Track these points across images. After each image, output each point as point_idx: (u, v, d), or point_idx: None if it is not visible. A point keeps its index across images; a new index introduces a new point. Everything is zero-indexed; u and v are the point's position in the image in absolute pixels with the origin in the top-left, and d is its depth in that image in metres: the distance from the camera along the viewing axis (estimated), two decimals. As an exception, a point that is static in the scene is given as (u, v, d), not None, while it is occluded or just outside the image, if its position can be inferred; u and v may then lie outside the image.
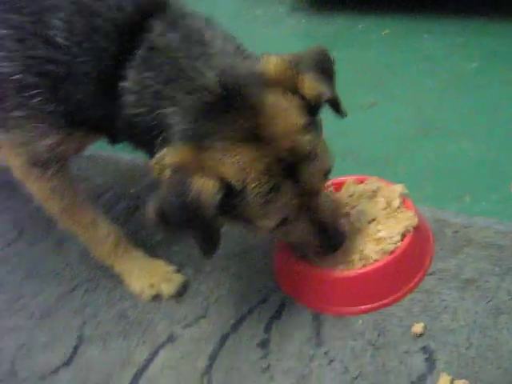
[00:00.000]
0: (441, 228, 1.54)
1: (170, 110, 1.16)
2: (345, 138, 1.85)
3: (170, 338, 1.48)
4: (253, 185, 1.14)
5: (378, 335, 1.35)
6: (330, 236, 1.32)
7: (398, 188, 1.49)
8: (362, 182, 1.55)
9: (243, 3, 3.03)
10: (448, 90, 2.08)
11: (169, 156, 1.14)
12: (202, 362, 1.41)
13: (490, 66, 2.15)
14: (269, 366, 1.36)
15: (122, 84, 1.21)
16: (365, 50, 2.43)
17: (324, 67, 1.25)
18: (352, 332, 1.37)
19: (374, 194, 1.50)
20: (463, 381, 1.23)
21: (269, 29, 2.76)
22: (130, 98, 1.21)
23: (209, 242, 1.20)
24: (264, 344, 1.40)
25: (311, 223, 1.29)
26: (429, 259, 1.46)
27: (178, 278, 1.58)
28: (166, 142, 1.17)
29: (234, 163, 1.12)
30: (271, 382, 1.33)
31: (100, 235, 1.57)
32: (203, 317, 1.50)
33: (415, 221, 1.42)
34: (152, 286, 1.57)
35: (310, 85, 1.19)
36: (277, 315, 1.45)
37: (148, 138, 1.21)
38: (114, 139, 1.41)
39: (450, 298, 1.38)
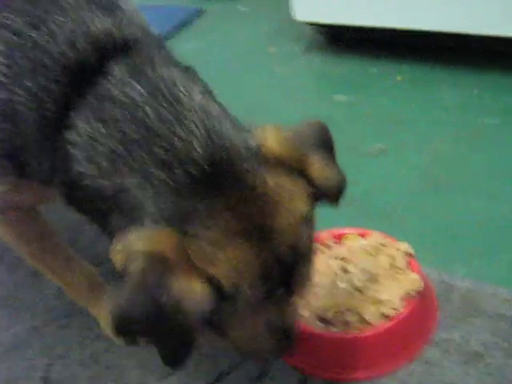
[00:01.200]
0: (446, 293, 1.42)
1: (134, 180, 0.93)
2: (350, 185, 1.74)
3: (141, 389, 1.36)
4: (247, 291, 0.89)
5: None
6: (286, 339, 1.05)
7: (403, 247, 1.38)
8: (363, 236, 1.44)
9: (257, 41, 2.96)
10: (462, 144, 1.97)
11: (140, 241, 0.87)
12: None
13: (508, 122, 2.05)
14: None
15: (67, 135, 0.99)
16: (378, 95, 2.34)
17: (326, 147, 1.02)
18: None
19: (376, 251, 1.38)
20: None
21: (281, 67, 2.67)
22: (76, 153, 0.98)
23: (180, 353, 0.93)
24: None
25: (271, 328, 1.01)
26: (432, 327, 1.34)
27: None
28: (130, 222, 0.92)
29: (228, 260, 0.88)
30: None
31: (73, 279, 1.43)
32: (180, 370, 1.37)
33: (420, 285, 1.30)
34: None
35: (320, 167, 0.97)
36: (261, 376, 1.33)
37: (98, 209, 0.99)
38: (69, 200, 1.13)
39: (451, 373, 1.26)
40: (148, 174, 0.91)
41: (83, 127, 0.97)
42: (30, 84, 1.01)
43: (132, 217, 0.93)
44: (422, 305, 1.31)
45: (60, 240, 1.44)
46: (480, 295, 1.41)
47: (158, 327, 0.87)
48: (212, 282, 0.87)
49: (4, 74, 1.03)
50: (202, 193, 0.89)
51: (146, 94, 0.96)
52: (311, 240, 0.97)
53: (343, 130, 2.08)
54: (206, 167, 0.89)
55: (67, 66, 1.00)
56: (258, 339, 1.00)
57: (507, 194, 1.73)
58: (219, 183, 0.90)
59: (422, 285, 1.30)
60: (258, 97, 2.44)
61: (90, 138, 0.97)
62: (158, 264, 0.85)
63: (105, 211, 0.97)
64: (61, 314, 1.60)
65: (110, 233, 0.97)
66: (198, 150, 0.90)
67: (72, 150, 0.99)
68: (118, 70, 0.99)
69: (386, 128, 2.13)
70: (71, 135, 0.98)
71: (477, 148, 1.95)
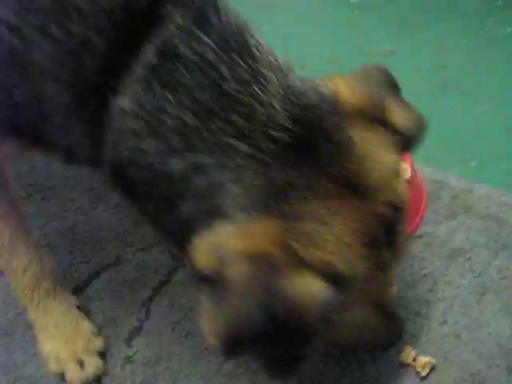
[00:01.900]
0: (438, 190, 1.37)
1: (212, 157, 0.76)
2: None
3: (117, 261, 1.33)
4: (362, 267, 0.77)
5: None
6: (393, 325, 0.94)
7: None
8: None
9: None
10: (477, 51, 1.89)
11: (236, 239, 0.72)
12: (144, 292, 1.25)
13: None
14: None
15: (118, 102, 0.80)
16: (396, -1, 2.23)
17: (395, 90, 0.91)
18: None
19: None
20: (428, 358, 1.07)
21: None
22: (134, 126, 0.79)
23: (292, 362, 0.84)
24: (215, 283, 1.24)
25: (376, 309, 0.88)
26: (417, 221, 1.29)
27: (94, 364, 1.13)
28: (210, 210, 0.76)
29: (336, 237, 0.74)
30: (214, 324, 1.17)
31: (17, 265, 1.12)
32: (156, 244, 1.34)
33: (407, 175, 1.23)
34: (58, 360, 1.14)
35: (398, 112, 0.85)
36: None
37: (160, 195, 0.82)
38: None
39: (431, 266, 1.22)
40: (228, 148, 0.75)
41: (143, 94, 0.78)
42: (56, 31, 0.79)
43: (211, 203, 0.76)
44: (409, 196, 1.24)
45: (17, 215, 1.14)
46: (473, 196, 1.35)
47: (272, 338, 0.75)
48: (326, 271, 0.73)
49: (12, 10, 0.81)
50: (292, 160, 0.75)
51: (217, 49, 0.78)
52: (403, 191, 0.85)
53: (356, 31, 2.00)
54: (292, 130, 0.75)
55: (111, 11, 0.79)
56: (369, 325, 0.88)
57: (510, 99, 1.66)
58: (308, 146, 0.76)
59: (409, 175, 1.23)
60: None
61: (154, 107, 0.78)
62: (264, 266, 0.71)
63: (170, 198, 0.80)
64: (43, 185, 1.57)
65: (175, 227, 0.81)
66: (281, 112, 0.76)
67: (127, 122, 0.80)
68: (178, 17, 0.79)
69: (399, 31, 2.03)
70: (124, 103, 0.79)
71: (492, 56, 1.87)
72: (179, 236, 0.81)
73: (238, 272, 0.71)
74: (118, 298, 1.25)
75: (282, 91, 0.77)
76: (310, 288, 0.72)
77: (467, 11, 2.11)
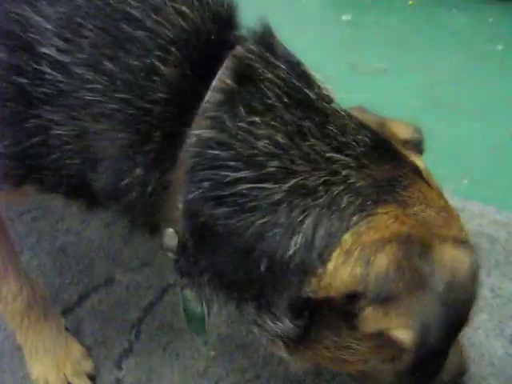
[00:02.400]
0: (429, 209, 1.36)
1: (321, 175, 0.73)
2: (348, 103, 1.67)
3: (107, 282, 1.31)
4: None
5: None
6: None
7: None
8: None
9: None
10: (468, 69, 1.89)
11: (370, 234, 0.71)
12: (134, 313, 1.24)
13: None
14: (206, 328, 1.19)
15: (196, 132, 0.74)
16: (387, 17, 2.24)
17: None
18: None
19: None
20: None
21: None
22: (216, 154, 0.73)
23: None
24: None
25: None
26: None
27: None
28: (334, 230, 0.72)
29: (445, 215, 0.78)
30: (205, 345, 1.16)
31: (8, 291, 1.09)
32: (147, 264, 1.33)
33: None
34: (47, 383, 1.14)
35: (399, 126, 0.90)
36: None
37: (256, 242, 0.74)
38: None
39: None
40: (328, 162, 0.74)
41: (228, 119, 0.74)
42: (110, 66, 0.75)
43: (330, 222, 0.72)
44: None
45: (7, 240, 1.11)
46: (465, 214, 1.34)
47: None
48: (458, 241, 0.75)
49: (59, 49, 0.75)
50: (377, 157, 0.76)
51: (290, 71, 0.78)
52: None
53: (347, 49, 2.01)
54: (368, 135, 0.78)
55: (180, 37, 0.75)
56: None
57: (508, 120, 1.66)
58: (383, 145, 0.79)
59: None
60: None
61: (243, 131, 0.73)
62: (414, 246, 0.71)
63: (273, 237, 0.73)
64: (34, 205, 1.56)
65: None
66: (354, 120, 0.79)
67: (211, 153, 0.73)
68: (248, 43, 0.78)
69: (390, 49, 2.04)
70: (205, 132, 0.74)
71: (483, 74, 1.87)
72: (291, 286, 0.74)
73: (436, 273, 0.70)
74: (108, 319, 1.24)
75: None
76: (460, 259, 0.72)
77: (458, 29, 2.12)
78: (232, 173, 0.72)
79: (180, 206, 0.76)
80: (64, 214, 1.48)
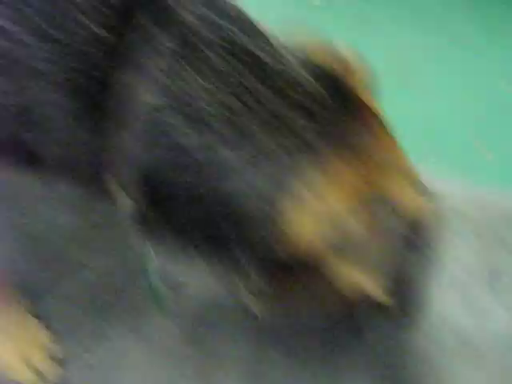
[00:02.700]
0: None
1: (270, 139, 0.72)
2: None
3: (78, 268, 1.30)
4: None
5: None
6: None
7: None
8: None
9: None
10: (437, 50, 1.90)
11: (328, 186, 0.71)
12: (105, 297, 1.23)
13: (490, 31, 1.97)
14: (176, 311, 1.19)
15: (138, 97, 0.74)
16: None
17: None
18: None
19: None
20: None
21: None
22: (162, 120, 0.73)
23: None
24: (178, 286, 1.23)
25: None
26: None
27: (52, 372, 1.11)
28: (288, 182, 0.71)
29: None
30: (174, 325, 1.16)
31: None
32: (120, 249, 1.32)
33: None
34: (14, 370, 1.10)
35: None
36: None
37: (213, 203, 0.74)
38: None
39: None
40: (281, 121, 0.72)
41: (171, 83, 0.72)
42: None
43: (280, 179, 0.71)
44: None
45: None
46: (432, 190, 1.35)
47: None
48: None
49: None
50: (332, 103, 0.75)
51: (232, 28, 0.75)
52: None
53: (315, 32, 2.00)
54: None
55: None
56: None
57: (469, 93, 1.68)
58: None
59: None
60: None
61: (189, 96, 0.72)
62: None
63: (224, 200, 0.73)
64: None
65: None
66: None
67: (157, 118, 0.73)
68: (188, 2, 0.75)
69: (358, 31, 2.04)
70: (148, 97, 0.73)
71: (450, 56, 1.89)
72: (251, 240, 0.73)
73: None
74: (79, 304, 1.23)
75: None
76: (419, 202, 0.74)
77: (428, 10, 2.12)
78: (180, 135, 0.72)
79: (134, 170, 0.75)
80: (34, 200, 1.47)
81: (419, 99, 1.70)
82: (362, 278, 0.71)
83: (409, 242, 0.71)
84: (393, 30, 2.05)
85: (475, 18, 2.02)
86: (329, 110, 0.73)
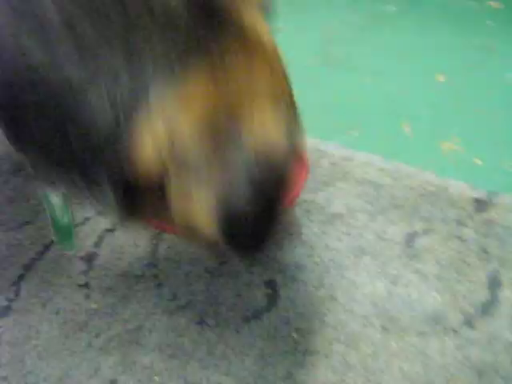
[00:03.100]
0: (318, 159, 1.37)
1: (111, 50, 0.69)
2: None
3: (-15, 242, 1.25)
4: None
5: (218, 265, 1.16)
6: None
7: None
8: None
9: None
10: (363, 29, 1.91)
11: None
12: (14, 271, 1.19)
13: (408, 11, 1.99)
14: (87, 283, 1.15)
15: None
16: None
17: None
18: (190, 257, 1.18)
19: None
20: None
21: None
22: None
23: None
24: (90, 258, 1.19)
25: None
26: (297, 190, 1.27)
27: None
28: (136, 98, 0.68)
29: None
30: (87, 299, 1.12)
31: None
32: (28, 222, 1.28)
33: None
34: None
35: None
36: (112, 229, 1.25)
37: (57, 115, 0.73)
38: None
39: (309, 232, 1.21)
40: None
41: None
42: None
43: (133, 90, 0.68)
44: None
45: None
46: (352, 163, 1.36)
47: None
48: None
49: None
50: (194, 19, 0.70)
51: None
52: None
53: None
54: None
55: None
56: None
57: (394, 74, 1.69)
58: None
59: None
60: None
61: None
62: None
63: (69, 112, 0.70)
64: None
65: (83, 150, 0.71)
66: None
67: None
68: None
69: (285, 9, 2.02)
70: None
71: (375, 34, 1.89)
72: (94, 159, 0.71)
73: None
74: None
75: None
76: (272, 130, 0.69)
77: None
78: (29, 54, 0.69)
79: None
80: None
81: (344, 75, 1.71)
82: (195, 208, 0.68)
83: (252, 180, 0.67)
84: (316, 8, 2.05)
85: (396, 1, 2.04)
86: (192, 28, 0.69)
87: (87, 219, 1.26)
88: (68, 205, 0.81)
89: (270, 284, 1.13)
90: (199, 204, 0.68)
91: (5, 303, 1.13)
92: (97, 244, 1.21)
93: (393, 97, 1.59)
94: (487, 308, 1.08)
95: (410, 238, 1.19)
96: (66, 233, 0.87)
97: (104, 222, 1.25)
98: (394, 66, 1.72)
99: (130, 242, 1.21)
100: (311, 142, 1.40)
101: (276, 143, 0.69)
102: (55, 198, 0.82)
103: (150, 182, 0.69)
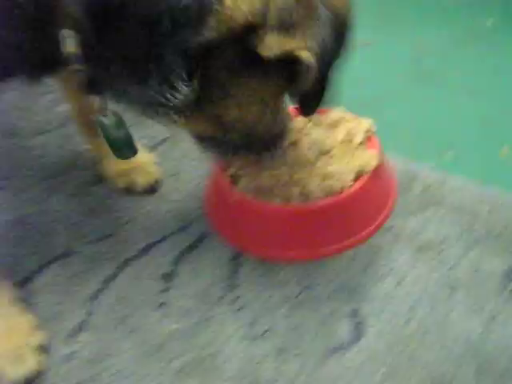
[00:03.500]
0: (409, 182, 1.29)
1: None
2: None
3: (66, 253, 1.24)
4: None
5: (301, 290, 1.11)
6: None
7: (366, 123, 1.23)
8: (322, 112, 1.28)
9: None
10: (455, 44, 1.82)
11: None
12: (92, 286, 1.17)
13: (507, 25, 1.88)
14: (165, 302, 1.12)
15: None
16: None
17: None
18: (272, 281, 1.13)
19: (334, 124, 1.24)
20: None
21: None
22: None
23: None
24: (168, 277, 1.16)
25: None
26: (386, 212, 1.21)
27: (34, 359, 1.04)
28: None
29: None
30: (164, 318, 1.09)
31: None
32: (110, 235, 1.26)
33: (374, 162, 1.16)
34: None
35: None
36: (192, 247, 1.21)
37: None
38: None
39: (400, 260, 1.14)
40: None
41: None
42: None
43: None
44: (375, 185, 1.17)
45: None
46: (446, 187, 1.28)
47: None
48: None
49: None
50: None
51: None
52: None
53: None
54: None
55: None
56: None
57: (496, 94, 1.59)
58: None
59: (376, 162, 1.15)
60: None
61: None
62: None
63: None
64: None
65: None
66: None
67: None
68: None
69: (375, 23, 1.96)
70: None
71: (471, 48, 1.80)
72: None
73: None
74: (65, 291, 1.17)
75: None
76: None
77: (446, 3, 2.04)
78: None
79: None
80: (27, 184, 1.41)
81: (438, 92, 1.62)
82: (289, 42, 0.80)
83: (334, 27, 0.84)
84: (407, 21, 1.98)
85: (493, 12, 1.94)
86: None
87: (164, 237, 1.23)
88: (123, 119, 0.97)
89: (356, 314, 1.06)
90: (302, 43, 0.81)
91: (83, 318, 1.11)
92: (176, 262, 1.18)
93: (490, 117, 1.50)
94: None
95: (510, 272, 1.10)
96: (126, 146, 1.02)
97: (183, 240, 1.22)
98: (489, 84, 1.62)
99: (210, 262, 1.17)
100: (402, 161, 1.33)
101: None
102: (108, 120, 0.97)
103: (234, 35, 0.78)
